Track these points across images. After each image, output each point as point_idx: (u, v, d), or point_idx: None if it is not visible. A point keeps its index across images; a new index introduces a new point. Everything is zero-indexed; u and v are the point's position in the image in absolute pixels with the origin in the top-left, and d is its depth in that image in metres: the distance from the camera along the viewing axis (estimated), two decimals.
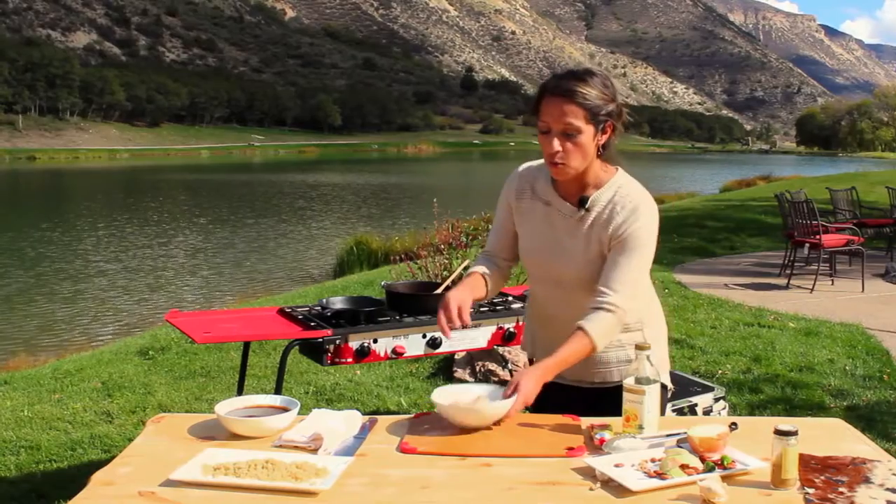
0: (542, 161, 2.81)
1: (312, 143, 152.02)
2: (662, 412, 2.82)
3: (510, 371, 5.55)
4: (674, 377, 5.19)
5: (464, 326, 2.73)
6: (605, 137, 2.65)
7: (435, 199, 9.34)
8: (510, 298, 4.39)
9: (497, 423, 2.59)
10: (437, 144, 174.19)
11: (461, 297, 2.75)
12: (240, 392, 4.26)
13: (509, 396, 2.55)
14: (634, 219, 2.67)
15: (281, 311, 4.12)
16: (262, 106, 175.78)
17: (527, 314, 3.08)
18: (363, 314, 3.91)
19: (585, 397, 2.87)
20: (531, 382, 2.57)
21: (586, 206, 2.71)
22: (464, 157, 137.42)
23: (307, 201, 40.43)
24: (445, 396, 2.69)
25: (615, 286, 2.65)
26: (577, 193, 2.74)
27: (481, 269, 2.96)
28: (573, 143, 2.60)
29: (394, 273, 9.06)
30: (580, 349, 2.64)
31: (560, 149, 2.60)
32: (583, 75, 2.63)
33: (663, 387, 2.87)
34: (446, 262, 7.95)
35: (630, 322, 2.79)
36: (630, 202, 2.69)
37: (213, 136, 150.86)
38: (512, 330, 4.13)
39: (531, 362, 3.02)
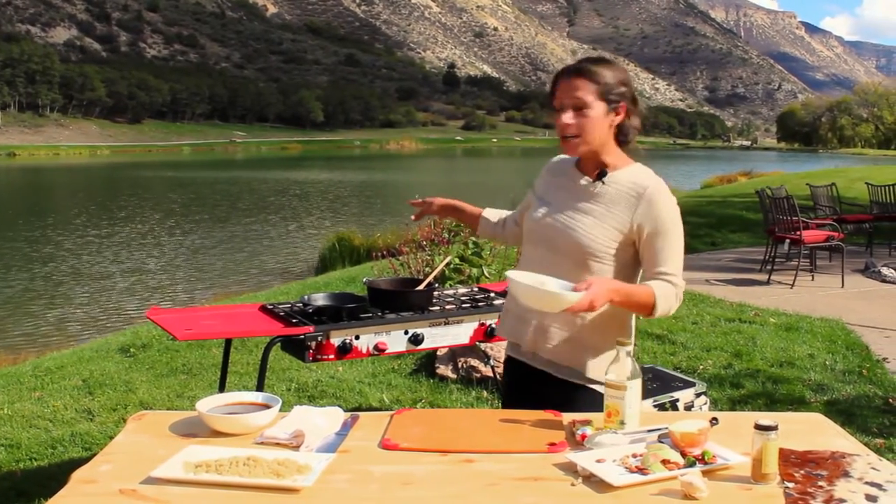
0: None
1: (295, 140, 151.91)
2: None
3: (492, 367, 5.55)
4: (656, 372, 5.24)
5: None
6: (618, 119, 2.71)
7: (417, 196, 9.27)
8: (492, 294, 4.38)
9: (564, 312, 2.56)
10: (419, 141, 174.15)
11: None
12: (221, 389, 4.24)
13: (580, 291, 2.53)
14: (662, 202, 2.69)
15: (263, 308, 4.10)
16: (244, 102, 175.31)
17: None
18: (345, 311, 3.89)
19: (560, 391, 2.84)
20: (603, 286, 2.55)
21: (603, 180, 2.74)
22: (446, 153, 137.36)
23: (290, 198, 40.31)
24: (520, 277, 2.65)
25: (668, 267, 2.68)
26: (595, 171, 2.77)
27: (489, 212, 3.28)
28: (584, 117, 2.67)
29: (376, 269, 9.12)
30: (644, 294, 2.65)
31: (572, 122, 2.68)
32: (596, 59, 2.76)
33: None
34: (428, 258, 7.98)
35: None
36: (653, 185, 2.71)
37: (194, 133, 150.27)
38: (494, 326, 4.10)
39: (514, 352, 3.01)
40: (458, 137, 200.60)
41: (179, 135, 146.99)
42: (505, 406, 3.07)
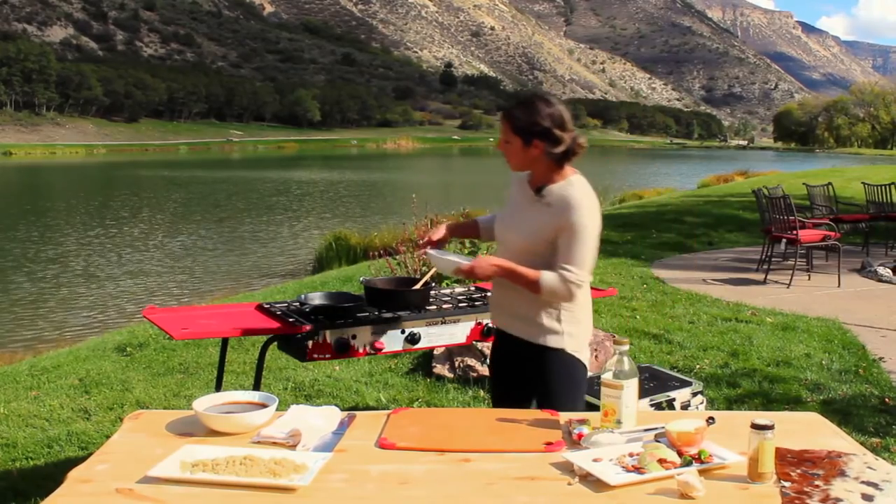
0: None
1: (291, 139, 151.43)
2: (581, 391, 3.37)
3: (489, 366, 5.53)
4: (652, 372, 5.25)
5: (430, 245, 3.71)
6: (537, 151, 3.24)
7: (414, 195, 9.33)
8: (488, 294, 4.25)
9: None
10: (416, 140, 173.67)
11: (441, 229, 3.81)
12: (218, 388, 4.23)
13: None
14: (579, 212, 3.20)
15: (259, 307, 4.10)
16: (241, 101, 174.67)
17: None
18: (342, 310, 3.89)
19: (527, 352, 3.37)
20: (486, 261, 3.29)
21: (542, 194, 3.31)
22: (443, 152, 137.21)
23: (286, 198, 40.12)
24: (434, 252, 3.55)
25: (567, 262, 3.19)
26: (537, 186, 3.35)
27: (482, 221, 3.86)
28: (506, 148, 3.34)
29: (373, 269, 9.11)
30: (529, 274, 3.23)
31: (502, 149, 3.36)
32: (521, 101, 3.30)
33: (579, 363, 3.36)
34: (425, 257, 7.92)
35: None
36: (575, 198, 3.22)
37: (191, 132, 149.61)
38: (490, 325, 4.10)
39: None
40: (455, 137, 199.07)
41: (176, 134, 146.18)
42: (491, 369, 3.70)
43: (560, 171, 3.30)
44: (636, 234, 14.57)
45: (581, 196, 3.24)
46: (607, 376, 2.57)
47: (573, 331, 3.32)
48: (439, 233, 3.80)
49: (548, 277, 3.23)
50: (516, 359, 3.46)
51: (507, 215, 3.49)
